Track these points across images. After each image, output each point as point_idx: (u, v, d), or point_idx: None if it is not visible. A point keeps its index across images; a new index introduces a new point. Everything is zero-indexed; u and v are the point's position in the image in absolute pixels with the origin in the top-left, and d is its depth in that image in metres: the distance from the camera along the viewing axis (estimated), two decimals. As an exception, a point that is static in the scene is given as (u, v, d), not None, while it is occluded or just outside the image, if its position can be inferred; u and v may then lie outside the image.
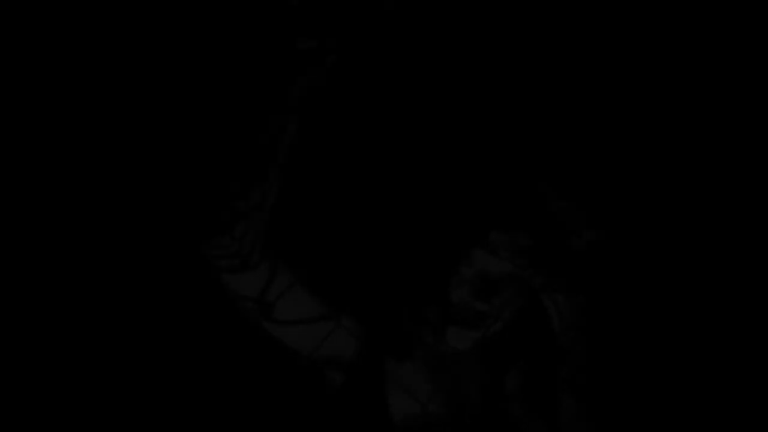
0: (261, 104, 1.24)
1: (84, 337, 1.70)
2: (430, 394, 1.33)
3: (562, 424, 1.39)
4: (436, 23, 1.76)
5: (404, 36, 1.29)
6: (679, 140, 1.83)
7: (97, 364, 1.70)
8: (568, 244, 1.28)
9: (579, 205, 1.25)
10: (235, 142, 1.20)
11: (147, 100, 1.77)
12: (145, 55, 1.75)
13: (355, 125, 1.51)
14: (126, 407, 1.57)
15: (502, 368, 1.56)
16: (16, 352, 1.68)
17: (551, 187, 1.25)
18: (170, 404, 1.61)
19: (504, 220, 1.30)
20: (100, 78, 1.79)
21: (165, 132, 1.18)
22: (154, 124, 1.57)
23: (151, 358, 1.41)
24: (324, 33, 1.24)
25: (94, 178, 1.77)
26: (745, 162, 1.86)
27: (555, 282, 1.28)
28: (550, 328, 1.35)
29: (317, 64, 1.27)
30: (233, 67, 1.20)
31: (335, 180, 1.59)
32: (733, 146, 1.86)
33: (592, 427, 1.36)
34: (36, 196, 1.72)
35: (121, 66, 1.77)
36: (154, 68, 1.75)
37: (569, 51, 1.34)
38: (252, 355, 1.51)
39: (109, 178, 1.77)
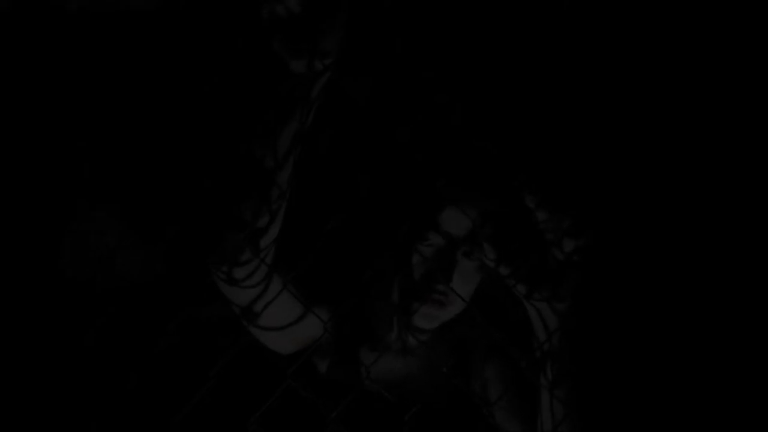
0: (263, 123, 1.25)
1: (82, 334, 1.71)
2: (402, 383, 1.33)
3: (547, 427, 1.40)
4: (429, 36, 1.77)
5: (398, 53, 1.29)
6: (657, 150, 1.84)
7: (95, 362, 1.72)
8: (551, 253, 1.30)
9: (560, 215, 1.26)
10: (237, 161, 1.21)
11: (145, 106, 1.78)
12: (144, 61, 1.75)
13: (351, 135, 1.52)
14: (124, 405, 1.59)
15: (479, 365, 1.57)
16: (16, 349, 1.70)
17: (533, 197, 1.26)
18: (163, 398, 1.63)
19: (488, 231, 1.31)
20: (100, 80, 1.79)
21: (168, 145, 1.19)
22: (154, 134, 1.58)
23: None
24: (319, 52, 1.24)
25: (93, 184, 1.78)
26: (723, 168, 1.87)
27: (538, 290, 1.29)
28: (532, 334, 1.36)
29: (314, 82, 1.27)
30: (230, 84, 1.21)
31: (330, 187, 1.60)
32: (709, 155, 1.87)
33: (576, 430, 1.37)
34: (38, 199, 1.73)
35: (121, 70, 1.78)
36: (153, 75, 1.75)
37: (558, 58, 1.35)
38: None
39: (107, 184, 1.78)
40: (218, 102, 1.36)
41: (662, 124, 1.86)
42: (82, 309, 1.75)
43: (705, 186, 1.86)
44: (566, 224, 1.26)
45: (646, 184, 1.84)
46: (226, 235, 1.29)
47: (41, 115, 1.76)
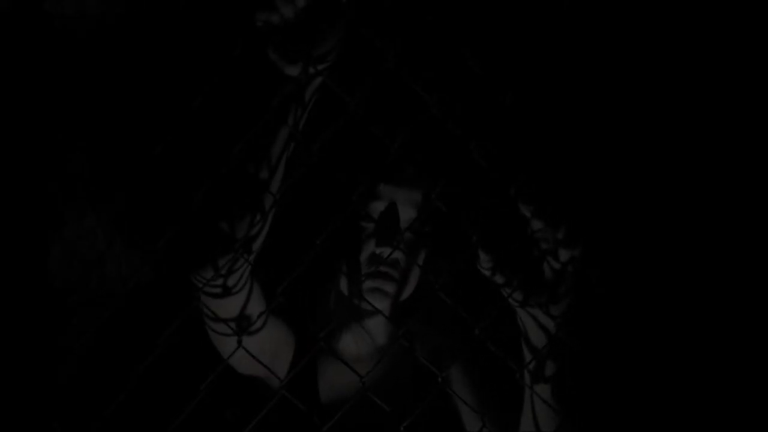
0: (251, 135, 1.24)
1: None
2: (362, 383, 1.31)
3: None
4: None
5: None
6: (653, 157, 1.83)
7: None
8: (547, 262, 1.28)
9: (556, 225, 1.25)
10: (226, 172, 1.20)
11: (141, 111, 1.77)
12: (140, 67, 1.75)
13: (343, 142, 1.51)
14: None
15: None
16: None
17: (529, 207, 1.25)
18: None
19: (485, 239, 1.30)
20: (97, 83, 1.79)
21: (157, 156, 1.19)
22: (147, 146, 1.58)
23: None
24: (314, 58, 1.23)
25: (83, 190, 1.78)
26: (720, 176, 1.86)
27: (534, 297, 1.28)
28: (526, 342, 1.35)
29: (308, 85, 1.27)
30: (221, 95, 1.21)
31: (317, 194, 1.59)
32: (705, 163, 1.86)
33: None
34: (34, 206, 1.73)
35: (117, 73, 1.77)
36: (149, 80, 1.74)
37: (556, 63, 1.34)
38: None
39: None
40: (213, 107, 1.35)
41: (658, 131, 1.85)
42: (74, 314, 1.75)
43: (701, 194, 1.85)
44: (561, 234, 1.25)
45: (641, 192, 1.83)
46: (219, 249, 1.29)
47: (36, 118, 1.76)
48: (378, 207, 1.51)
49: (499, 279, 1.27)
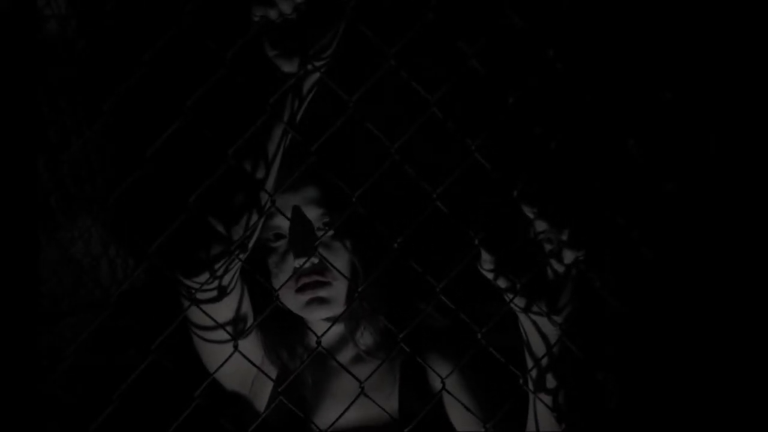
0: (249, 133, 1.22)
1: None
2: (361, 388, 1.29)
3: None
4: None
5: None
6: (656, 157, 1.81)
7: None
8: (550, 265, 1.25)
9: (560, 226, 1.22)
10: (219, 177, 1.18)
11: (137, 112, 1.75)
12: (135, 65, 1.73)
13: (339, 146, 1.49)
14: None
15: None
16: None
17: (532, 207, 1.22)
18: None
19: (487, 244, 1.27)
20: (91, 82, 1.77)
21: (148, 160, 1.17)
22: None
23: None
24: (311, 55, 1.22)
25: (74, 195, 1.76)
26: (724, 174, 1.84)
27: (537, 303, 1.25)
28: (527, 347, 1.32)
29: (305, 80, 1.25)
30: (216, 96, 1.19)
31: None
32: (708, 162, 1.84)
33: None
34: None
35: (111, 72, 1.76)
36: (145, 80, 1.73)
37: (557, 61, 1.32)
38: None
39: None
40: (209, 106, 1.34)
41: (663, 131, 1.83)
42: (69, 316, 1.74)
43: (708, 195, 1.84)
44: (566, 236, 1.22)
45: (646, 192, 1.81)
46: (216, 252, 1.27)
47: (30, 118, 1.74)
48: (282, 221, 1.44)
49: (501, 282, 1.24)
